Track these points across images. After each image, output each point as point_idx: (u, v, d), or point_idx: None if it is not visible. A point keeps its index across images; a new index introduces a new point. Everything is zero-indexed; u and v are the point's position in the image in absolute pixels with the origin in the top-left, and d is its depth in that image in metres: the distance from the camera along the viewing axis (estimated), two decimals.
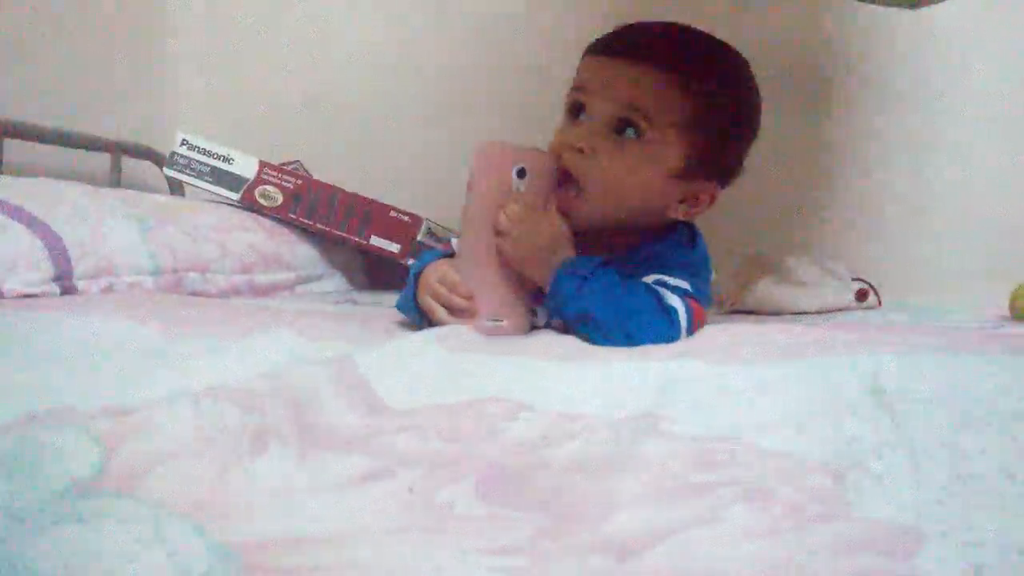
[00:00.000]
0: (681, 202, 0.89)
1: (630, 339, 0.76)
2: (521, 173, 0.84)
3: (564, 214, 0.85)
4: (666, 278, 0.84)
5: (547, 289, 0.83)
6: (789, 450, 0.45)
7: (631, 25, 0.89)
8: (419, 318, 0.86)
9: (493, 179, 0.84)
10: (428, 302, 0.84)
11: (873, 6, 1.49)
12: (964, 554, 0.35)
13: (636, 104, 0.83)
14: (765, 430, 0.47)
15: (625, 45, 0.86)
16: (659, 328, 0.79)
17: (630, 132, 0.84)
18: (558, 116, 0.90)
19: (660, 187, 0.86)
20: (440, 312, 0.82)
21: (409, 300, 0.88)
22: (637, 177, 0.85)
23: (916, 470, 0.42)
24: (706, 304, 0.87)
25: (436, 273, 0.84)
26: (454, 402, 0.54)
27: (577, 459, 0.45)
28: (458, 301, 0.82)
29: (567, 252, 0.83)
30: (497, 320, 0.82)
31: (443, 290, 0.82)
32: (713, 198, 0.90)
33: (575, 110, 0.87)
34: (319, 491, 0.43)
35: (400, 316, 0.92)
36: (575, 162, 0.84)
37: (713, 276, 1.31)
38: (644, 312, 0.79)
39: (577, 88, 0.87)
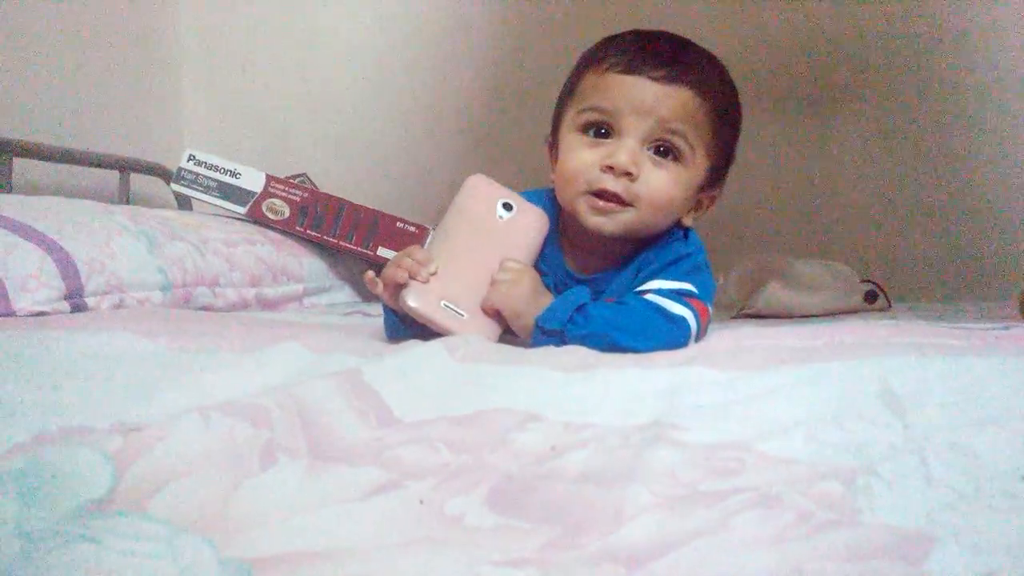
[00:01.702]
0: (690, 209, 0.91)
1: (639, 349, 0.77)
2: (507, 207, 0.88)
3: (599, 228, 0.86)
4: (665, 283, 0.85)
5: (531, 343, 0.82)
6: (799, 456, 0.45)
7: (639, 38, 0.88)
8: (401, 326, 0.84)
9: (481, 198, 0.88)
10: (389, 269, 0.83)
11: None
12: (975, 558, 0.35)
13: (673, 127, 0.84)
14: (774, 437, 0.47)
15: (651, 64, 0.84)
16: (665, 334, 0.80)
17: (670, 154, 0.85)
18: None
19: (690, 201, 0.89)
20: (390, 269, 0.82)
21: (388, 313, 0.87)
22: (680, 195, 0.86)
23: (927, 474, 0.42)
24: (711, 296, 0.88)
25: (407, 249, 0.85)
26: (463, 413, 0.54)
27: (586, 468, 0.45)
28: (410, 262, 0.81)
29: (543, 301, 0.83)
30: (455, 309, 0.81)
31: (408, 259, 0.82)
32: (713, 201, 0.93)
33: (598, 130, 0.86)
34: (330, 504, 0.43)
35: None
36: (624, 187, 0.84)
37: (720, 279, 1.32)
38: (648, 328, 0.80)
39: (597, 108, 0.86)
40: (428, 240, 1.54)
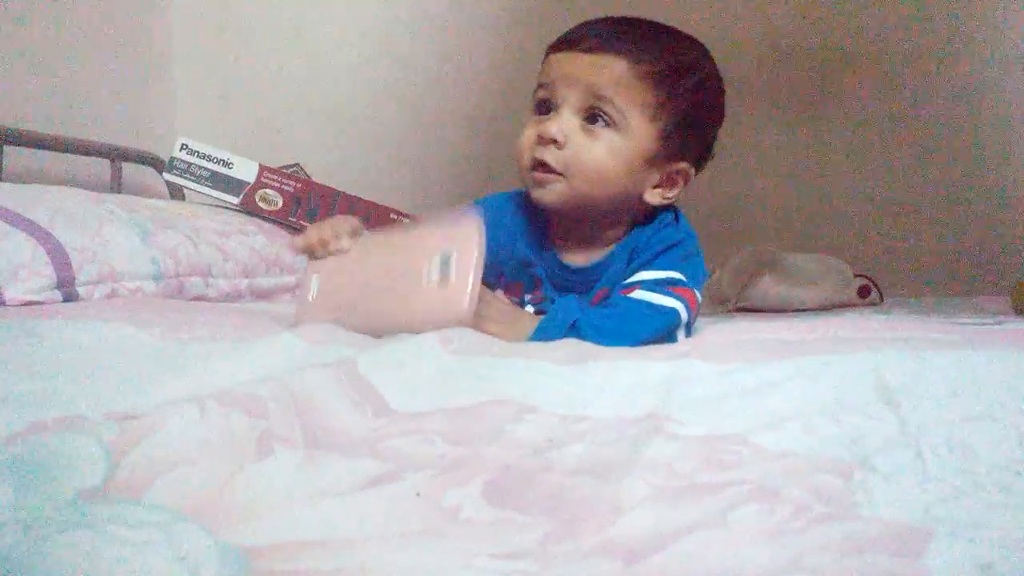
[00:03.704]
0: (656, 187, 0.90)
1: (633, 345, 0.77)
2: (444, 267, 0.75)
3: (540, 201, 0.88)
4: (652, 274, 0.85)
5: None
6: (795, 449, 0.45)
7: (591, 20, 0.91)
8: None
9: (425, 247, 0.79)
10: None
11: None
12: (972, 552, 0.35)
13: (601, 93, 0.85)
14: (771, 429, 0.47)
15: (584, 38, 0.88)
16: (656, 328, 0.81)
17: (600, 122, 0.86)
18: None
19: (637, 172, 0.88)
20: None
21: None
22: (614, 163, 0.86)
23: (923, 468, 0.42)
24: (700, 282, 0.89)
25: (339, 220, 0.89)
26: (459, 405, 0.54)
27: (583, 461, 0.45)
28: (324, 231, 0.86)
29: (524, 321, 0.83)
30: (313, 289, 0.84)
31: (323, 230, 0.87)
32: (687, 179, 0.92)
33: (543, 107, 0.89)
34: (326, 495, 0.43)
35: None
36: (554, 155, 0.86)
37: (715, 273, 1.32)
38: (640, 328, 0.80)
39: (542, 85, 0.89)
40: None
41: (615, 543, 0.37)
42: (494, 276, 0.92)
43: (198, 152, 1.54)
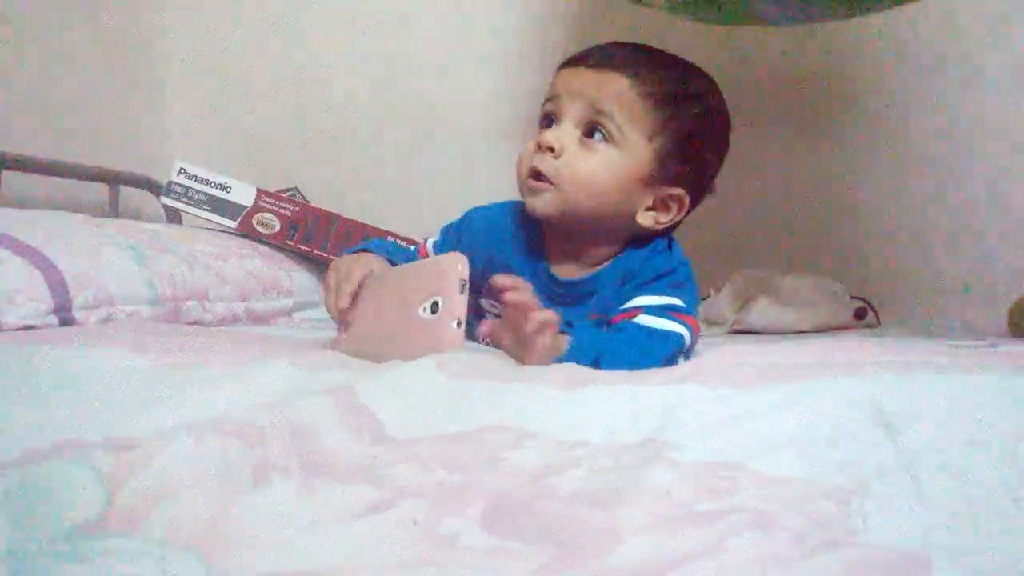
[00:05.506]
0: (650, 209, 0.90)
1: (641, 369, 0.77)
2: (435, 308, 0.79)
3: (533, 210, 0.89)
4: (651, 299, 0.85)
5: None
6: (793, 475, 0.45)
7: (604, 43, 0.93)
8: None
9: (421, 282, 0.82)
10: (330, 278, 0.90)
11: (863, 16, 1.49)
12: None
13: (602, 108, 0.87)
14: (768, 455, 0.47)
15: (592, 55, 0.90)
16: (663, 353, 0.82)
17: (598, 135, 0.87)
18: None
19: (630, 191, 0.89)
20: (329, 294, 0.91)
21: None
22: (607, 178, 0.87)
23: (920, 493, 0.42)
24: (696, 309, 0.89)
25: (363, 266, 0.89)
26: (457, 431, 0.54)
27: (581, 488, 0.45)
28: (333, 300, 0.88)
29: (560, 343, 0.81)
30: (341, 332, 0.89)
31: (337, 280, 0.89)
32: (682, 206, 0.91)
33: (547, 120, 0.91)
34: (323, 523, 0.42)
35: None
36: (548, 164, 0.87)
37: (712, 295, 1.32)
38: (654, 354, 0.81)
39: (548, 99, 0.91)
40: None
41: (613, 571, 0.37)
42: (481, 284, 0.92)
43: (196, 176, 1.54)
